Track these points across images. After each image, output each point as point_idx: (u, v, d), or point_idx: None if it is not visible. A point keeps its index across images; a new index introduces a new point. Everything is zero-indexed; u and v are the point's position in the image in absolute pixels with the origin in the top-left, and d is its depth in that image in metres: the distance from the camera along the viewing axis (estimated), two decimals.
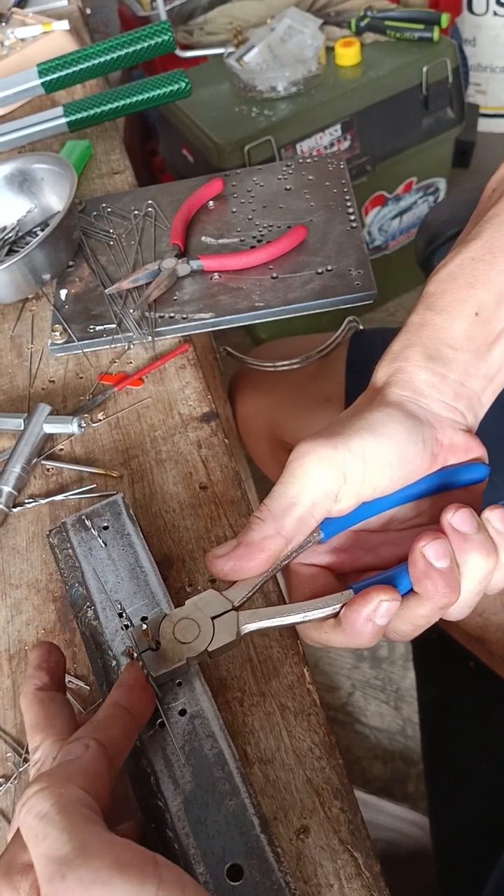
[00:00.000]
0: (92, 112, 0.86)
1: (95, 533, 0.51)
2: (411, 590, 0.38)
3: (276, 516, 0.39)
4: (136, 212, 0.78)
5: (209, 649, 0.39)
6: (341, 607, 0.38)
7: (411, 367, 0.42)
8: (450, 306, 0.42)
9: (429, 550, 0.36)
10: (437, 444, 0.41)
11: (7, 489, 0.57)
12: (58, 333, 0.67)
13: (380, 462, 0.39)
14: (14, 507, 0.57)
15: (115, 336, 0.66)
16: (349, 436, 0.39)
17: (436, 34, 1.43)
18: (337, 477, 0.38)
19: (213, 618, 0.40)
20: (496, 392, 0.43)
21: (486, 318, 0.41)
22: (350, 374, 0.81)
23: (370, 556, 0.43)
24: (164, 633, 0.40)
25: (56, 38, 1.08)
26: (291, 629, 0.47)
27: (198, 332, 0.66)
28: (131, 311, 0.67)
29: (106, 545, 0.50)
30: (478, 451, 0.42)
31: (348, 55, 1.43)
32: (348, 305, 0.65)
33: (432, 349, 0.42)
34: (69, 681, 0.47)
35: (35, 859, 0.29)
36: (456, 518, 0.37)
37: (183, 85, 0.86)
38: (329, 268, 0.67)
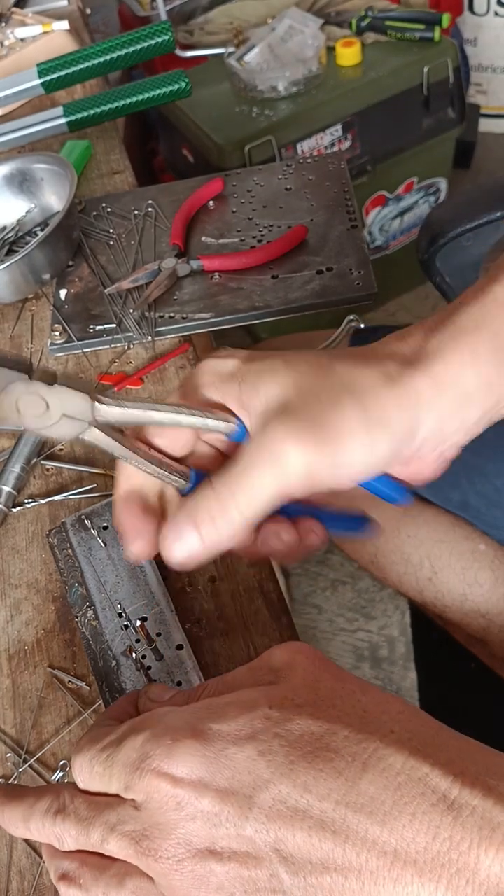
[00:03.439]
0: (92, 112, 0.86)
1: (95, 533, 0.51)
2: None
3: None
4: (136, 212, 0.78)
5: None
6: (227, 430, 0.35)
7: (464, 361, 0.35)
8: None
9: None
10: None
11: (7, 489, 0.56)
12: (57, 333, 0.67)
13: None
14: (14, 507, 0.57)
15: (115, 336, 0.66)
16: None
17: (437, 34, 1.42)
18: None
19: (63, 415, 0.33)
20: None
21: None
22: None
23: None
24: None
25: (56, 38, 1.07)
26: (292, 628, 0.47)
27: (198, 332, 0.66)
28: (131, 311, 0.67)
29: (105, 545, 0.50)
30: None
31: (349, 55, 1.42)
32: (349, 305, 0.65)
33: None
34: (69, 680, 0.47)
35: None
36: None
37: (183, 85, 0.86)
38: (329, 268, 0.67)
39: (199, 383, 0.37)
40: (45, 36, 1.08)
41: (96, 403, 0.33)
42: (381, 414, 0.34)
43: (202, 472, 0.36)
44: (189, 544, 0.34)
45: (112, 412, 0.33)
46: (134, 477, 0.37)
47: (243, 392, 0.35)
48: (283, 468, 0.33)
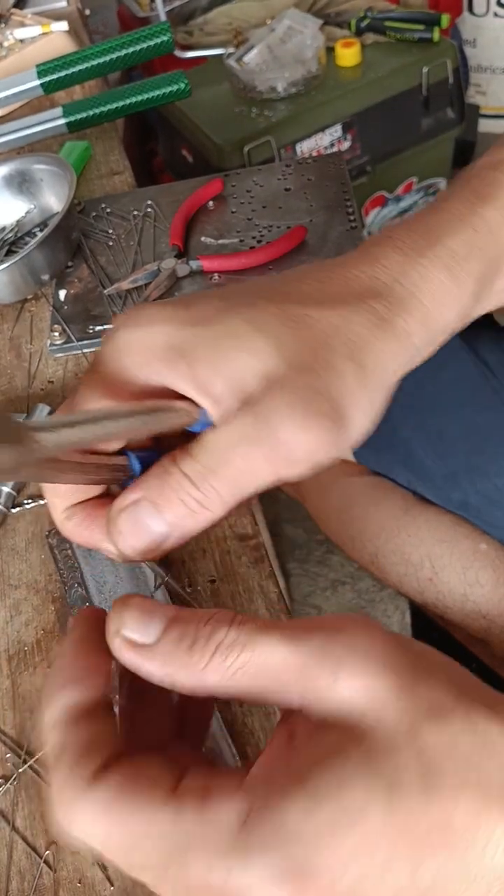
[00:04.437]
0: (91, 113, 0.86)
1: None
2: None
3: None
4: (135, 212, 0.78)
5: None
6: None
7: (450, 300, 0.32)
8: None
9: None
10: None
11: (6, 489, 0.56)
12: (57, 334, 0.67)
13: None
14: (13, 507, 0.57)
15: None
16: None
17: (436, 35, 1.42)
18: None
19: None
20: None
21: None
22: None
23: None
24: None
25: (55, 39, 1.07)
26: None
27: None
28: None
29: None
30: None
31: (348, 56, 1.43)
32: None
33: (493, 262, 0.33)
34: None
35: None
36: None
37: (182, 86, 0.86)
38: None
39: (124, 365, 0.29)
40: (44, 37, 1.08)
41: (22, 445, 0.25)
42: (380, 374, 0.29)
43: (144, 453, 0.30)
44: (152, 531, 0.28)
45: (48, 441, 0.26)
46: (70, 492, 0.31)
47: (199, 372, 0.28)
48: (286, 455, 0.27)
